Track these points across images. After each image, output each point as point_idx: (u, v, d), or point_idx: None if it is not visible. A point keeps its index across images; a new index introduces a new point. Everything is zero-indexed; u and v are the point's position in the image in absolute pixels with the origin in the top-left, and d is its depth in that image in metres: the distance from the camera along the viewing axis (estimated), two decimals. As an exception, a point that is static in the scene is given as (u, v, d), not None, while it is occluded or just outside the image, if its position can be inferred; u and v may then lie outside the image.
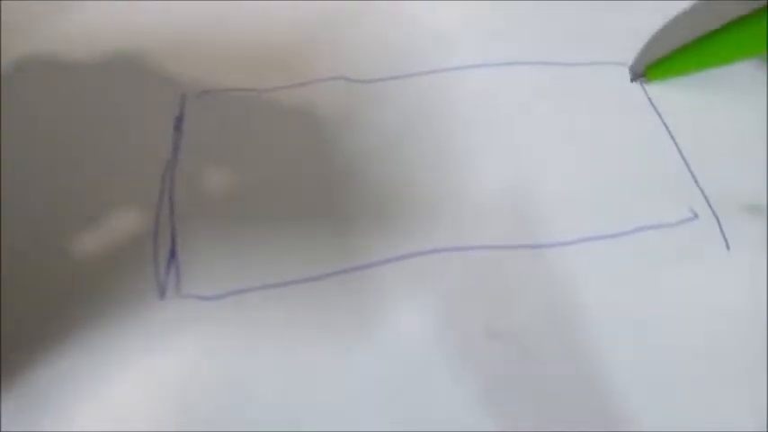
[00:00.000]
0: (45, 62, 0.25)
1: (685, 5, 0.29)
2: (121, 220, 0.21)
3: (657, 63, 0.26)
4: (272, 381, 0.19)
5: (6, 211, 0.21)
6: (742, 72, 0.27)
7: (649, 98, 0.26)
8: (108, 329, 0.19)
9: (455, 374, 0.19)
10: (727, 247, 0.22)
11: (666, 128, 0.25)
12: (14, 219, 0.21)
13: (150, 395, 0.18)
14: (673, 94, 0.26)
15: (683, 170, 0.24)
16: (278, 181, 0.22)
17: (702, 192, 0.24)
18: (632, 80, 0.27)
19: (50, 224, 0.21)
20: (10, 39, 0.25)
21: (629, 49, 0.28)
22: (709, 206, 0.23)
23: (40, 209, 0.21)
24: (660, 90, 0.26)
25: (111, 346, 0.19)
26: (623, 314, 0.21)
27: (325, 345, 0.19)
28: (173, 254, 0.20)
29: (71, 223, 0.21)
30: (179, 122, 0.23)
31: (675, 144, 0.25)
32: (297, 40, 0.26)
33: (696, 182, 0.24)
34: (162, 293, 0.20)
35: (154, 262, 0.20)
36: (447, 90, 0.25)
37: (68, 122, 0.23)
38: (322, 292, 0.20)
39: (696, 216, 0.23)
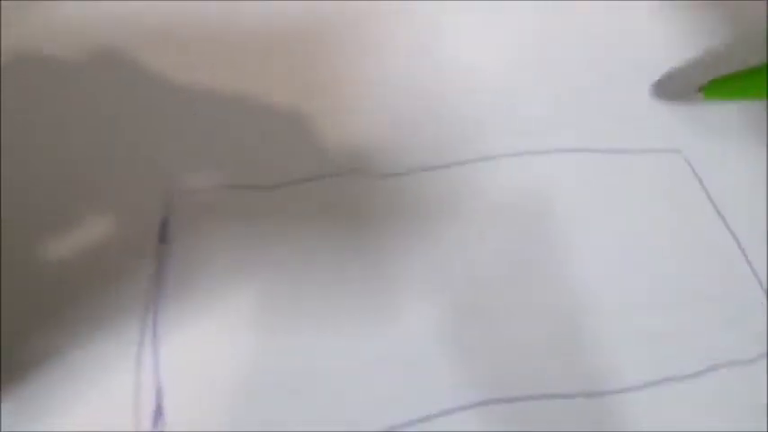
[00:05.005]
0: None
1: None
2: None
3: (718, 81, 0.24)
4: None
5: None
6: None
7: (705, 188, 0.23)
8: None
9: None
10: None
11: (728, 228, 0.22)
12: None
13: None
14: (729, 183, 0.23)
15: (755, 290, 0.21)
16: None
17: None
18: (685, 97, 0.25)
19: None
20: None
21: (682, 134, 0.25)
22: None
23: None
24: (716, 181, 0.24)
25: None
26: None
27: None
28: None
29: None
30: (163, 231, 0.20)
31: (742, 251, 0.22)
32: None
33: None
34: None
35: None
36: (477, 183, 0.22)
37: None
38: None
39: None
